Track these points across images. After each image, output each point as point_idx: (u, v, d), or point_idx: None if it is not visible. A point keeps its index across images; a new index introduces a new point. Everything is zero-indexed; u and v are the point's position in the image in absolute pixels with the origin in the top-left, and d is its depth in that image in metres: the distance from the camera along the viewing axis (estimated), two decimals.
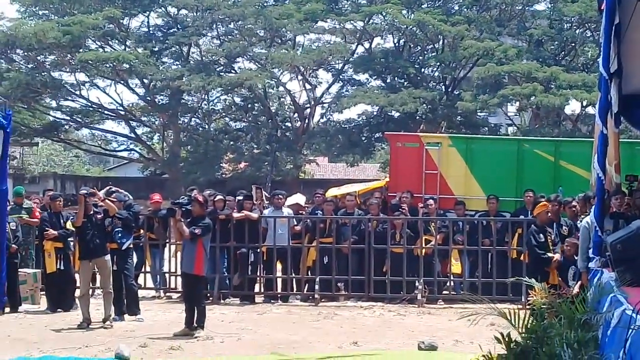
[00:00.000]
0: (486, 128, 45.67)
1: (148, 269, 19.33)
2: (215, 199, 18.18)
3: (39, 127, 49.12)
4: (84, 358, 11.60)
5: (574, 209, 16.53)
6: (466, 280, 18.35)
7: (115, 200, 15.91)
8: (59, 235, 16.53)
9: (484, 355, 8.50)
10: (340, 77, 48.21)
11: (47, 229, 16.63)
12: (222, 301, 18.13)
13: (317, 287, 18.16)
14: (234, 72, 46.13)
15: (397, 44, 47.35)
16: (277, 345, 12.94)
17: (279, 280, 18.88)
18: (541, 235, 16.32)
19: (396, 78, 46.38)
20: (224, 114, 50.31)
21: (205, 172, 44.84)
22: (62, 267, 16.65)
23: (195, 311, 13.95)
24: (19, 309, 16.57)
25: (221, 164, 48.57)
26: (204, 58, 47.38)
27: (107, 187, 17.15)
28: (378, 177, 37.12)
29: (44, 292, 17.40)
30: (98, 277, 16.43)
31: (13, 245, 16.69)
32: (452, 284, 18.87)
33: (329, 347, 12.92)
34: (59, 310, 16.49)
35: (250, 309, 17.27)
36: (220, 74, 45.23)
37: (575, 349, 7.74)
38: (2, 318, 15.81)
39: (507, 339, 8.21)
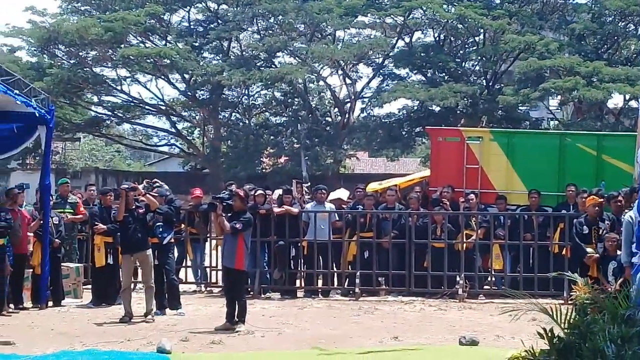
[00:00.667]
0: (527, 122, 45.47)
1: (189, 263, 19.42)
2: (256, 194, 18.19)
3: (80, 122, 49.55)
4: (126, 352, 11.63)
5: (619, 203, 16.28)
6: (507, 275, 18.25)
7: (156, 195, 15.99)
8: (108, 230, 16.58)
9: (526, 351, 8.44)
10: (381, 71, 48.17)
11: (96, 223, 16.70)
12: (262, 296, 18.15)
13: (357, 281, 18.12)
14: (274, 66, 46.22)
15: (437, 38, 47.23)
16: (317, 339, 12.93)
17: (320, 275, 18.89)
18: (585, 228, 16.16)
19: (437, 72, 46.29)
20: (264, 108, 50.50)
21: (246, 166, 44.97)
22: (111, 262, 16.73)
23: (237, 305, 13.96)
24: (62, 303, 16.70)
25: (261, 159, 48.70)
26: (244, 53, 47.57)
27: (150, 181, 17.20)
28: (418, 171, 36.94)
29: (88, 286, 17.53)
30: (139, 271, 16.54)
31: (56, 240, 16.81)
32: (493, 279, 18.78)
33: (370, 341, 12.89)
34: (104, 304, 16.59)
35: (291, 304, 17.28)
36: (261, 68, 45.35)
37: (618, 344, 7.68)
38: (46, 312, 15.93)
39: (549, 335, 8.14)
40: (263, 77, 43.90)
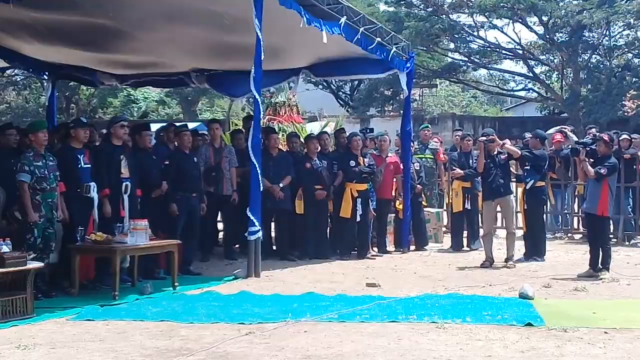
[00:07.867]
0: None
1: (549, 209, 19.13)
2: (620, 138, 17.60)
3: (437, 69, 49.98)
4: (488, 296, 11.64)
5: None
6: None
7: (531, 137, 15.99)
8: (465, 175, 16.66)
9: None
10: None
11: (454, 168, 16.88)
12: (627, 243, 17.62)
13: None
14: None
15: None
16: None
17: None
18: None
19: None
20: (626, 49, 48.53)
21: (606, 111, 43.52)
22: (469, 207, 16.86)
23: (600, 252, 13.62)
24: (424, 247, 17.01)
25: (623, 102, 46.98)
26: None
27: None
28: None
29: (448, 231, 17.77)
30: (499, 216, 16.57)
31: (418, 185, 17.12)
32: None
33: None
34: (464, 249, 16.79)
35: None
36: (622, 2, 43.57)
37: None
38: (408, 255, 16.31)
39: None
40: (627, 11, 42.08)
